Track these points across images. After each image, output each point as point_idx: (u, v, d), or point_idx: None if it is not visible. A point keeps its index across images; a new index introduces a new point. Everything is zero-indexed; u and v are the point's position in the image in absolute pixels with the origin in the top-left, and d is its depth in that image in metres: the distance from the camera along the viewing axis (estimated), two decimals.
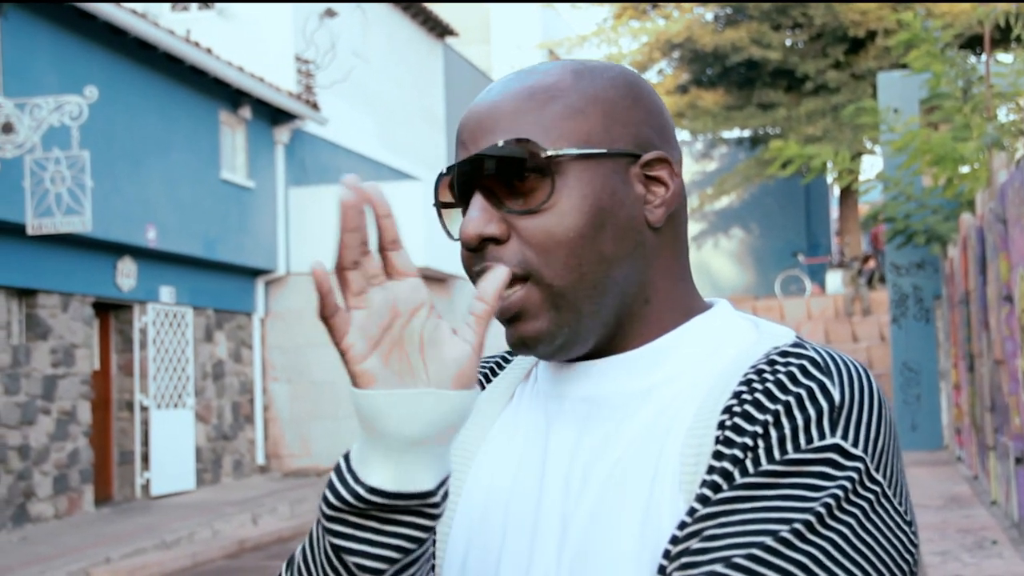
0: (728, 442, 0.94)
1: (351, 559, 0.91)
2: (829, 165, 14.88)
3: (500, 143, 1.00)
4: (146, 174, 13.09)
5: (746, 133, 26.36)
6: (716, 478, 0.93)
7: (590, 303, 1.01)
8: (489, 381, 1.17)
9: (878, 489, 0.92)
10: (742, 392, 0.96)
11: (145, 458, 13.55)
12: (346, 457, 0.92)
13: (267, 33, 16.41)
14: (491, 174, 1.00)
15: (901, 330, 14.44)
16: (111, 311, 13.47)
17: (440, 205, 1.07)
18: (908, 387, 14.29)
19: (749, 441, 0.93)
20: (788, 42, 24.88)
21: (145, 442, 13.54)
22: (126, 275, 13.07)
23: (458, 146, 1.05)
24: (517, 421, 1.10)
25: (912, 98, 13.90)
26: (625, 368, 1.03)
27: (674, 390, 1.01)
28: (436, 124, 21.47)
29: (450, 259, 16.24)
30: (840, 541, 0.90)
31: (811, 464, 0.91)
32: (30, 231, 10.77)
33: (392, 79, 19.72)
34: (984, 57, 11.49)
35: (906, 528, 0.94)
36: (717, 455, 0.94)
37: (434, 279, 16.87)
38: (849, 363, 0.97)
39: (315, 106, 16.46)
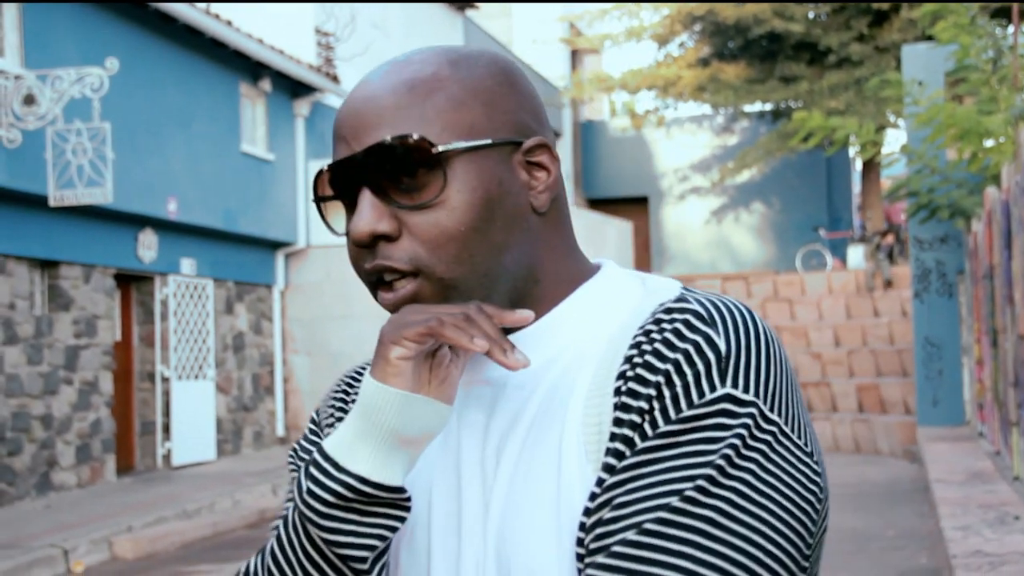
0: (625, 407, 0.95)
1: (339, 550, 0.98)
2: (852, 138, 14.74)
3: (388, 139, 0.99)
4: (167, 146, 13.10)
5: (768, 107, 26.17)
6: (618, 445, 0.95)
7: (481, 291, 1.01)
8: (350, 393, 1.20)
9: (775, 428, 0.94)
10: (632, 356, 0.97)
11: (166, 428, 13.63)
12: (322, 454, 0.98)
13: (287, 6, 16.37)
14: (379, 170, 1.00)
15: (923, 305, 14.35)
16: (132, 283, 13.52)
17: (320, 199, 1.06)
18: (930, 362, 14.21)
19: (644, 404, 0.94)
20: (811, 14, 24.66)
21: (166, 413, 13.62)
22: (147, 247, 13.11)
23: (337, 141, 1.04)
24: None
25: (937, 71, 13.75)
26: (520, 345, 1.03)
27: (568, 360, 1.03)
28: None
29: None
30: (744, 488, 0.91)
31: (706, 418, 0.92)
32: (52, 203, 10.80)
33: None
34: (1011, 28, 11.37)
35: (808, 460, 0.95)
36: (617, 422, 0.95)
37: None
38: (734, 309, 0.98)
39: (335, 79, 16.43)
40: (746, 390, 0.93)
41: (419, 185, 0.99)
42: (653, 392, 0.94)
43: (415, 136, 0.99)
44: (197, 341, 14.25)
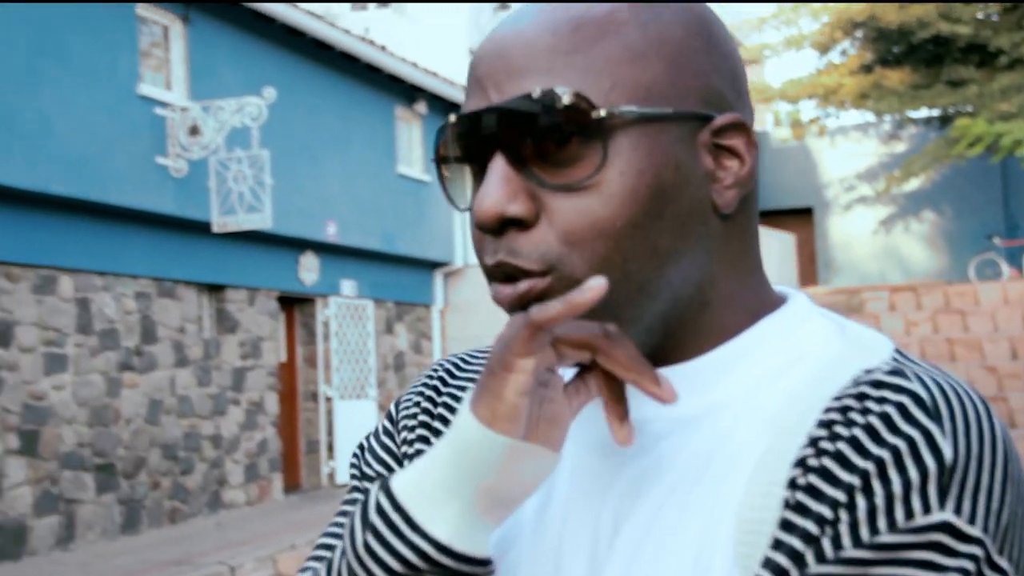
0: (801, 508, 0.71)
1: None
2: None
3: (536, 92, 0.75)
4: (325, 171, 13.42)
5: (935, 112, 25.32)
6: (781, 558, 0.71)
7: (632, 308, 0.77)
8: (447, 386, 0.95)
9: None
10: (820, 438, 0.72)
11: (330, 447, 13.92)
12: (391, 502, 0.74)
13: (442, 28, 16.62)
14: (520, 132, 0.76)
15: None
16: (295, 305, 13.88)
17: (441, 160, 0.83)
18: None
19: (828, 512, 0.70)
20: (980, 15, 23.78)
21: (330, 432, 13.91)
22: (308, 269, 13.43)
23: (472, 86, 0.81)
24: None
25: None
26: (673, 384, 0.77)
27: (733, 417, 0.78)
28: None
29: None
30: None
31: (911, 549, 0.68)
32: (215, 229, 11.17)
33: None
34: None
35: None
36: (786, 525, 0.71)
37: None
38: (965, 398, 0.72)
39: None
40: (972, 520, 0.68)
41: (570, 158, 0.76)
42: (843, 497, 0.70)
43: (572, 92, 0.75)
44: (358, 361, 14.52)
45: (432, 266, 16.26)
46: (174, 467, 11.32)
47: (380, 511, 0.73)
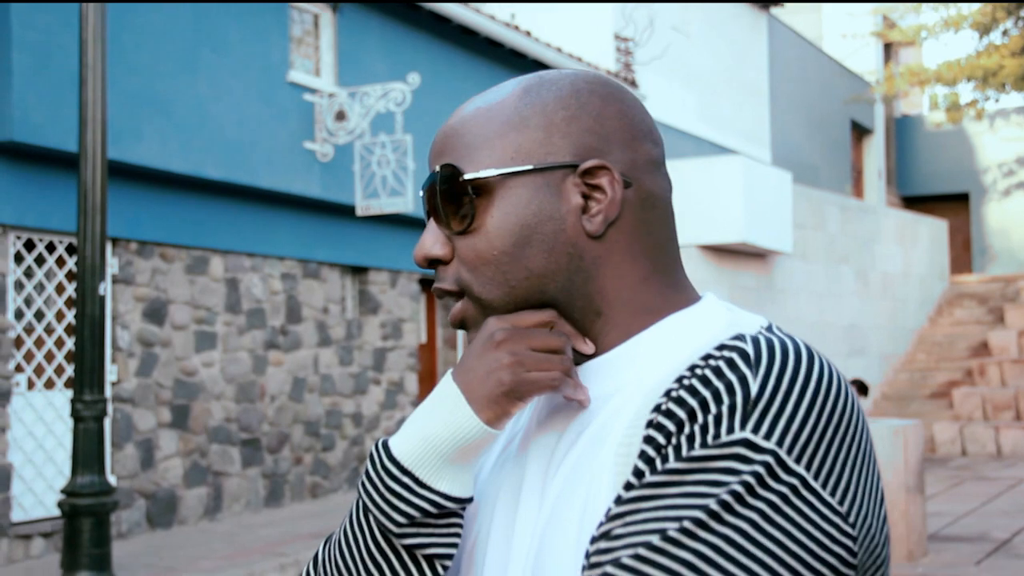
0: (649, 440, 0.93)
1: (427, 551, 1.01)
2: None
3: (437, 168, 1.05)
4: None
5: None
6: (632, 479, 0.92)
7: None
8: None
9: (794, 480, 0.88)
10: (672, 389, 0.94)
11: None
12: (399, 467, 1.00)
13: (588, 13, 16.59)
14: (433, 197, 1.05)
15: None
16: None
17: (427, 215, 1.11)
18: None
19: (662, 439, 0.91)
20: None
21: None
22: None
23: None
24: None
25: None
26: (584, 378, 1.04)
27: (629, 392, 1.01)
28: (759, 96, 21.01)
29: (768, 234, 15.90)
30: (737, 536, 0.86)
31: (715, 460, 0.88)
32: (359, 212, 11.42)
33: (712, 53, 19.45)
34: None
35: (836, 519, 0.88)
36: (642, 454, 0.93)
37: (752, 255, 16.57)
38: (791, 352, 0.92)
39: (634, 83, 16.50)
40: (768, 436, 0.88)
41: (462, 212, 1.03)
42: (673, 428, 0.91)
43: (447, 165, 1.03)
44: None
45: None
46: (316, 444, 11.66)
47: (390, 475, 1.00)
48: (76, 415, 7.24)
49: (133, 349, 9.63)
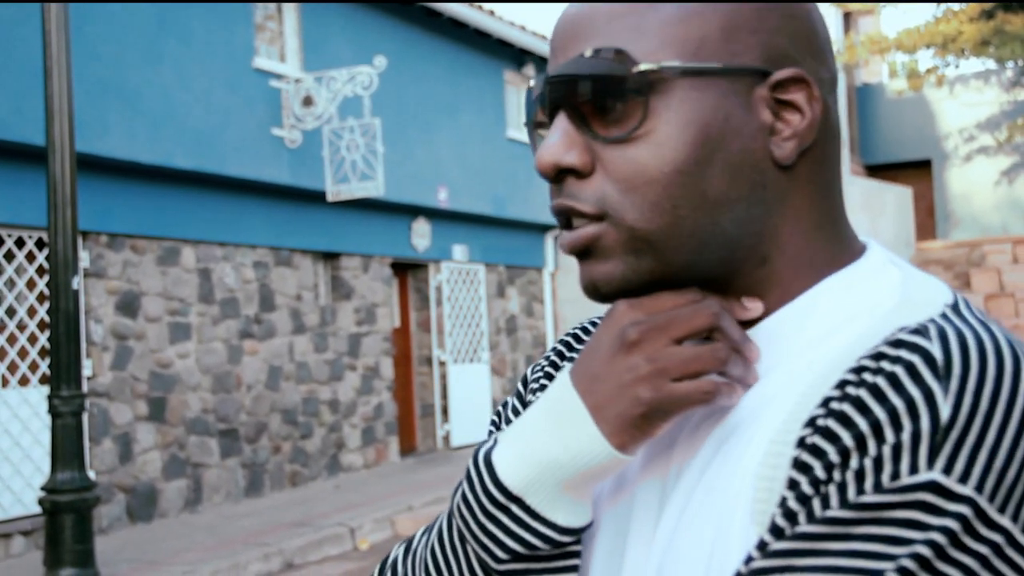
0: (803, 467, 0.73)
1: None
2: None
3: (587, 53, 0.81)
4: (435, 137, 13.53)
5: None
6: (779, 519, 0.73)
7: (684, 255, 0.81)
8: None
9: (999, 538, 0.68)
10: (832, 398, 0.74)
11: (444, 411, 14.12)
12: (509, 497, 0.82)
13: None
14: (578, 92, 0.82)
15: None
16: (408, 271, 14.07)
17: (533, 124, 0.89)
18: None
19: (821, 471, 0.72)
20: None
21: (444, 395, 14.11)
22: (420, 236, 13.59)
23: (551, 54, 0.87)
24: None
25: None
26: None
27: (775, 383, 0.81)
28: None
29: None
30: None
31: (894, 509, 0.69)
32: (329, 198, 11.36)
33: None
34: None
35: None
36: (791, 483, 0.73)
37: None
38: (990, 356, 0.71)
39: None
40: (963, 479, 0.68)
41: (620, 112, 0.81)
42: (836, 457, 0.71)
43: (614, 49, 0.81)
44: (471, 325, 14.67)
45: (542, 229, 16.30)
46: (294, 432, 11.62)
47: (498, 504, 0.82)
48: (54, 411, 7.17)
49: (107, 343, 9.54)
